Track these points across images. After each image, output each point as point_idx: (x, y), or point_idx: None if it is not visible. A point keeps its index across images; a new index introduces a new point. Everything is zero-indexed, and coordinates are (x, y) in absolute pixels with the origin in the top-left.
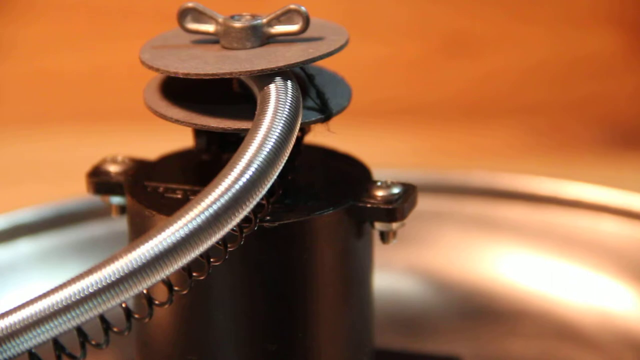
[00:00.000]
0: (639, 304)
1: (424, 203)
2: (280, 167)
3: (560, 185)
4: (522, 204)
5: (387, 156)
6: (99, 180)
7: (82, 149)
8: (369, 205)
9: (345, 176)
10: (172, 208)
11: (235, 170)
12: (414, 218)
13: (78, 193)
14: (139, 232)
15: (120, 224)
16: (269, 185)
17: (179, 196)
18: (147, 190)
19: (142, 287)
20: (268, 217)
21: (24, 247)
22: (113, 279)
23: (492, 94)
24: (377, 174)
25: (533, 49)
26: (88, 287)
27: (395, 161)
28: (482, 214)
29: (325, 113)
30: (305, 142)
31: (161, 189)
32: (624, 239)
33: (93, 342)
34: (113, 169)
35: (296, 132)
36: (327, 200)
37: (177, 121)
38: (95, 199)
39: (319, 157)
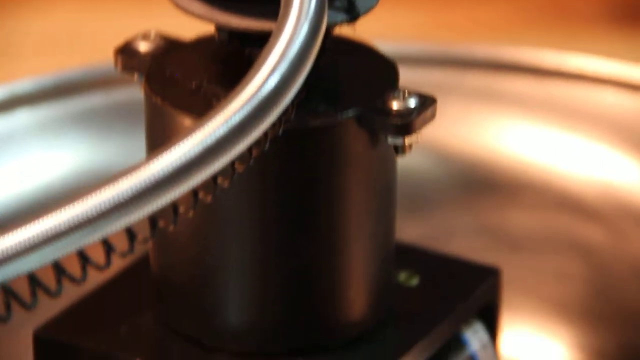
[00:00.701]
0: None
1: (426, 76)
2: (307, 70)
3: (563, 57)
4: (525, 77)
5: (387, 31)
6: (126, 58)
7: (90, 21)
8: (379, 117)
9: (367, 80)
10: (180, 99)
11: (259, 75)
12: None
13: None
14: (150, 118)
15: (120, 94)
16: (296, 89)
17: (192, 86)
18: (165, 74)
19: (172, 196)
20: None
21: (22, 117)
22: (141, 189)
23: None
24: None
25: None
26: (115, 198)
27: (396, 36)
28: (485, 86)
29: (352, 14)
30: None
31: (178, 75)
32: (627, 111)
33: (118, 251)
34: (142, 47)
35: (322, 35)
36: (339, 107)
37: (198, 16)
38: (94, 69)
39: (345, 53)
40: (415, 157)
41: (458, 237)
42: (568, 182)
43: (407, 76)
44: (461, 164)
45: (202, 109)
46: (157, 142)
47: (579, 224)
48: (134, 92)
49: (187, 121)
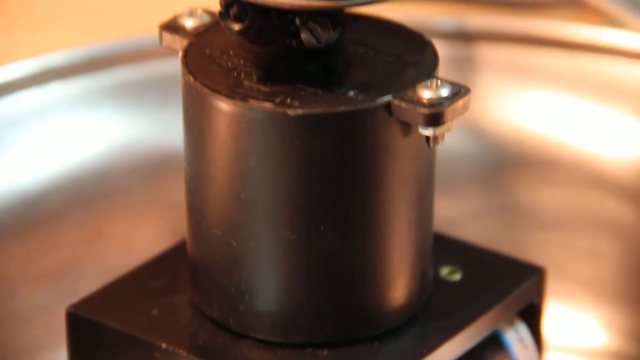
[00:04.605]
0: None
1: (458, 50)
2: None
3: (597, 32)
4: (559, 51)
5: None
6: (170, 34)
7: None
8: (409, 106)
9: (405, 66)
10: (214, 78)
11: None
12: (448, 65)
13: (109, 36)
14: (185, 95)
15: (152, 68)
16: None
17: (228, 66)
18: (203, 52)
19: None
20: (296, 104)
21: (55, 90)
22: None
23: None
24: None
25: None
26: None
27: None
28: (518, 61)
29: None
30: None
31: (215, 54)
32: None
33: None
34: (188, 23)
35: None
36: (369, 94)
37: None
38: (126, 43)
39: (386, 35)
40: (448, 134)
41: (490, 216)
42: (601, 160)
43: (439, 50)
44: (493, 141)
45: (234, 90)
46: (191, 119)
47: (611, 202)
48: (166, 65)
49: (216, 101)
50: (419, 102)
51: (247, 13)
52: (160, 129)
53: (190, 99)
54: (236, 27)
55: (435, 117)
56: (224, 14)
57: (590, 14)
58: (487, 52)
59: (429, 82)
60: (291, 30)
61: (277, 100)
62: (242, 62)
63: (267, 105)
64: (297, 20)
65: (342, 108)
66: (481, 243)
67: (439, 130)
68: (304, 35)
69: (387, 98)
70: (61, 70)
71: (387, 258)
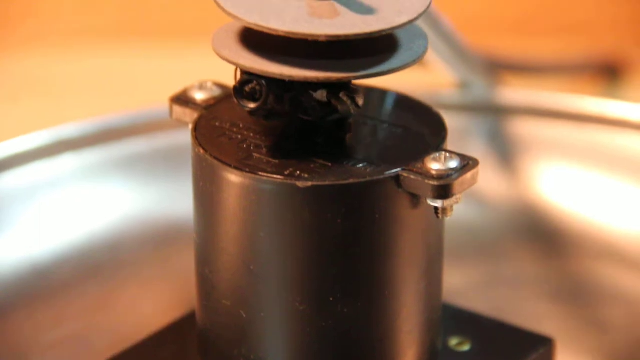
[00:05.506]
0: None
1: (466, 122)
2: None
3: (605, 104)
4: (567, 123)
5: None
6: (180, 106)
7: (126, 64)
8: (413, 178)
9: (414, 139)
10: (223, 150)
11: None
12: (456, 138)
13: (121, 108)
14: (195, 167)
15: (163, 140)
16: None
17: (238, 138)
18: (213, 125)
19: None
20: (306, 176)
21: (67, 162)
22: None
23: (535, 12)
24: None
25: None
26: None
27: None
28: (525, 133)
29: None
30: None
31: (225, 126)
32: None
33: None
34: (198, 96)
35: None
36: (378, 166)
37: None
38: (137, 115)
39: (388, 105)
40: (456, 205)
41: (498, 286)
42: (610, 231)
43: (448, 123)
44: (499, 212)
45: (243, 162)
46: (201, 191)
47: (619, 273)
48: (177, 137)
49: (226, 173)
50: (427, 175)
51: (262, 93)
52: (170, 200)
53: (200, 170)
54: (250, 105)
55: (443, 190)
56: (239, 88)
57: (590, 85)
58: (495, 124)
59: (437, 154)
60: (305, 105)
61: (287, 172)
62: (251, 134)
63: (277, 177)
64: (326, 94)
65: (351, 180)
66: (490, 313)
67: (447, 202)
68: (341, 107)
69: (396, 170)
70: (73, 141)
71: (396, 329)
